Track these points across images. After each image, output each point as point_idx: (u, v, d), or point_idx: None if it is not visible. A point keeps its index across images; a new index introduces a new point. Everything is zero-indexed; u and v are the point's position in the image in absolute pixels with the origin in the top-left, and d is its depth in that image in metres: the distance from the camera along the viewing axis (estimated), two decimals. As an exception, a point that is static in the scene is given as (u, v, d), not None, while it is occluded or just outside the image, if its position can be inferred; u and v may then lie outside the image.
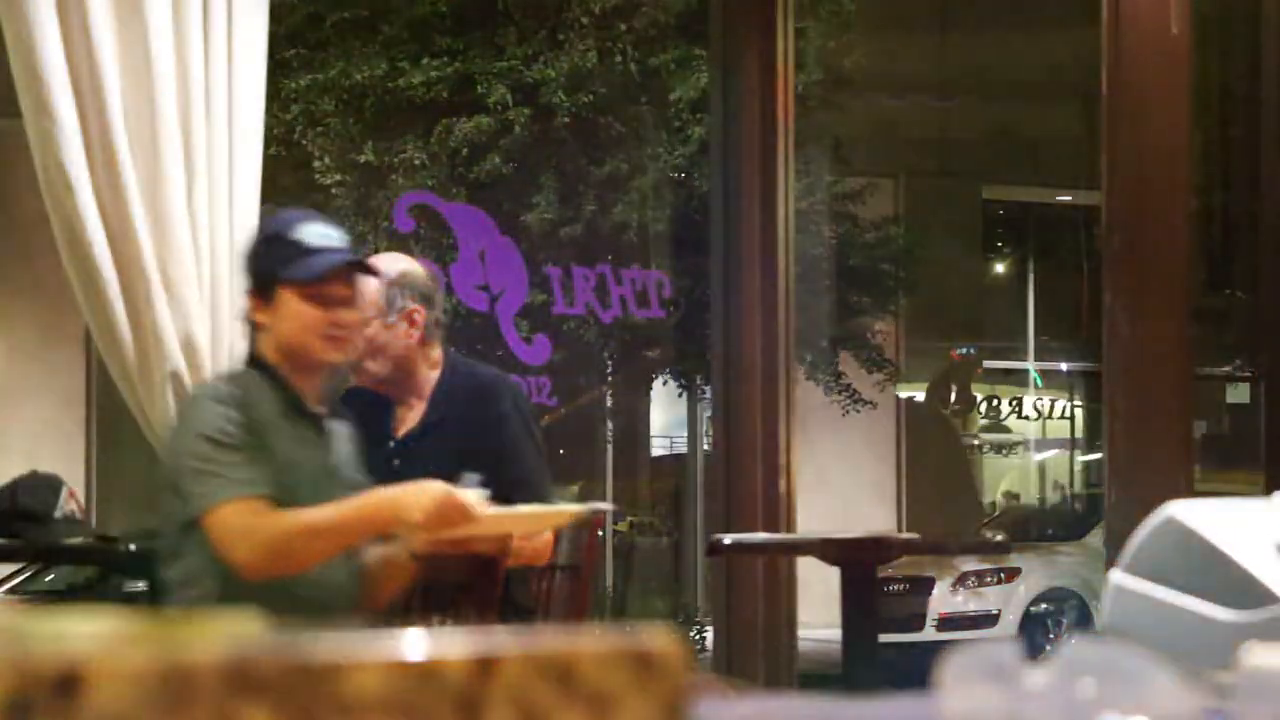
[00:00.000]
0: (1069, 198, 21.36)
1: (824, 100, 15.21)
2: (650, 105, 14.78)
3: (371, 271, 3.91)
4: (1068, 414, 23.04)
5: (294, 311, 3.76)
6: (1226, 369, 17.83)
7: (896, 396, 20.11)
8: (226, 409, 3.72)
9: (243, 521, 3.66)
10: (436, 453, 4.70)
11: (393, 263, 4.85)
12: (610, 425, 18.04)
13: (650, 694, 0.86)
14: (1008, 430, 22.81)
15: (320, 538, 3.69)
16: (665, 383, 17.40)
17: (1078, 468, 23.26)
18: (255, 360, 3.86)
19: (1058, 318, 22.60)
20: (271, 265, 3.80)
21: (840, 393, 16.96)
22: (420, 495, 3.66)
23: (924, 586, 15.26)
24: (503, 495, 4.63)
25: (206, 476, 3.70)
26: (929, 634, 14.84)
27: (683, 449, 20.23)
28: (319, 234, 3.81)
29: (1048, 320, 22.70)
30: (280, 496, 3.69)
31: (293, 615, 3.29)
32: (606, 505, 4.97)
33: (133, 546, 5.30)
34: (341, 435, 3.95)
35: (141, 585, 7.77)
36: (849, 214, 16.73)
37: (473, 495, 3.74)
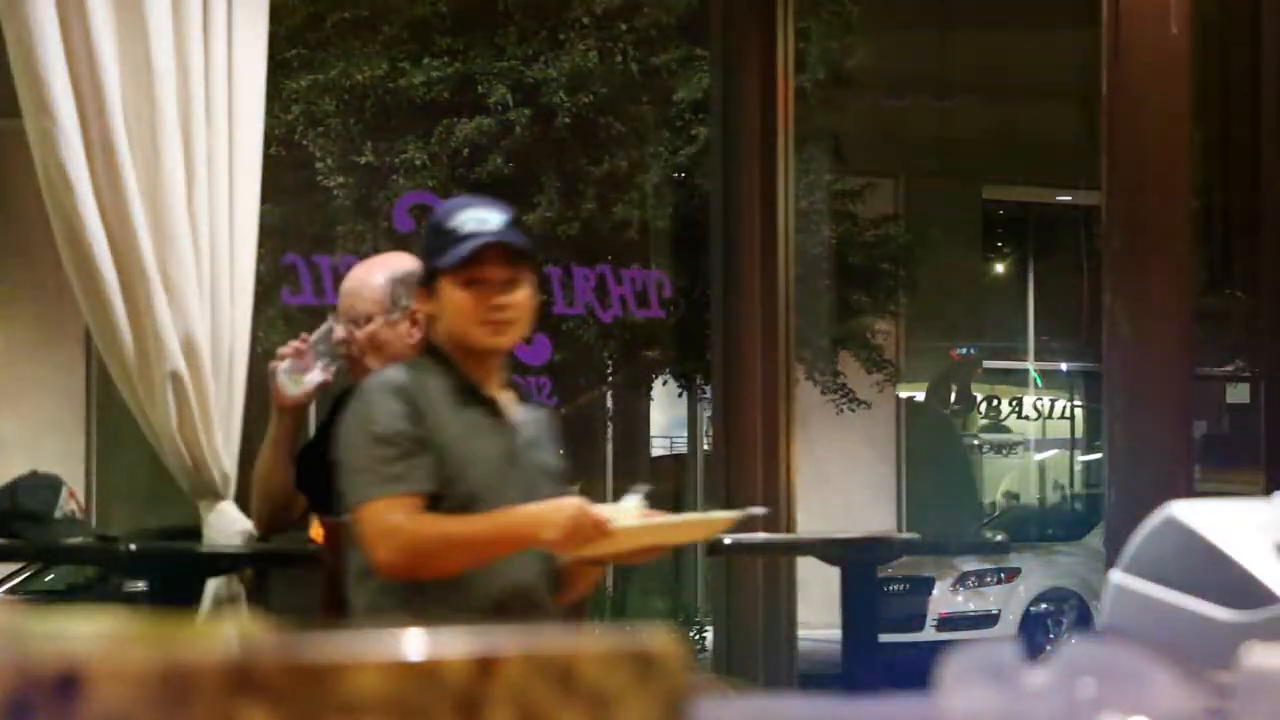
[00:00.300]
0: (1069, 198, 21.35)
1: (824, 100, 15.20)
2: (652, 105, 14.78)
3: (523, 250, 3.80)
4: (1068, 414, 23.03)
5: (452, 300, 3.72)
6: (1226, 369, 17.82)
7: (896, 396, 20.10)
8: (394, 402, 3.68)
9: (387, 521, 3.62)
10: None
11: (398, 261, 4.86)
12: (610, 425, 18.04)
13: (650, 694, 0.86)
14: (1008, 430, 22.80)
15: (459, 549, 3.65)
16: (665, 383, 17.40)
17: (1078, 468, 23.25)
18: (430, 348, 3.83)
19: (1058, 318, 22.59)
20: (431, 253, 3.78)
21: (836, 391, 16.96)
22: (556, 513, 3.60)
23: (924, 586, 15.26)
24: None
25: (362, 472, 3.67)
26: (929, 634, 14.83)
27: (683, 449, 20.23)
28: (474, 219, 3.76)
29: (1048, 320, 22.69)
30: (451, 486, 3.65)
31: (479, 612, 3.25)
32: (759, 510, 4.90)
33: (133, 546, 5.29)
34: (529, 419, 3.87)
35: (141, 585, 7.77)
36: (848, 213, 16.73)
37: (627, 508, 3.67)
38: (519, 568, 3.71)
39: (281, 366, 4.73)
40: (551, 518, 3.59)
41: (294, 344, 4.78)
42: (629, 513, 3.67)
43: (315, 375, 4.74)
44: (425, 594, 3.64)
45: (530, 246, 3.85)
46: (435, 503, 3.65)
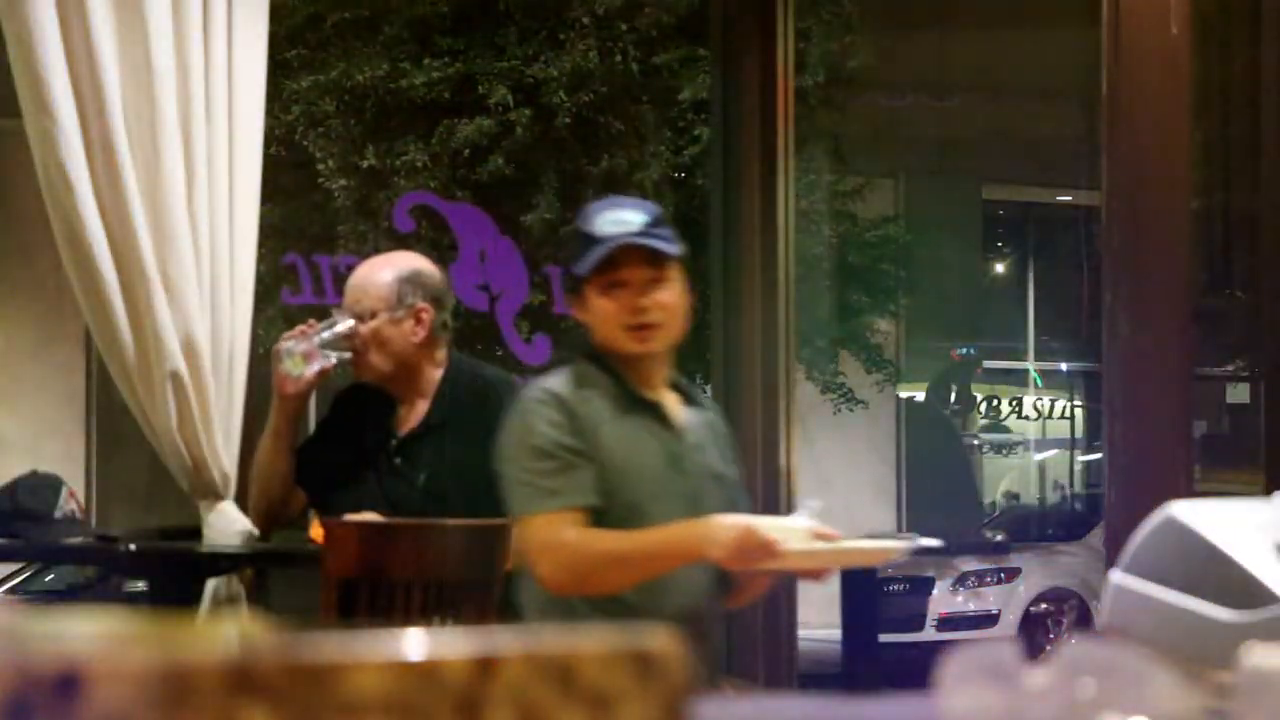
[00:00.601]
0: (1069, 198, 21.36)
1: (824, 100, 15.21)
2: (652, 105, 14.78)
3: (663, 251, 3.66)
4: (1068, 414, 23.04)
5: (596, 306, 3.66)
6: (1226, 369, 17.82)
7: (897, 396, 20.11)
8: (553, 412, 3.60)
9: (549, 536, 3.55)
10: (438, 451, 4.70)
11: (405, 260, 4.87)
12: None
13: (650, 694, 0.86)
14: (1008, 430, 22.81)
15: (622, 566, 3.56)
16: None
17: (1078, 468, 23.26)
18: (588, 353, 3.76)
19: (1058, 318, 22.60)
20: (571, 259, 3.72)
21: (834, 391, 16.96)
22: (723, 531, 3.49)
23: (924, 586, 15.27)
24: (502, 496, 4.64)
25: (522, 485, 3.60)
26: (929, 634, 14.84)
27: (683, 449, 20.21)
28: (612, 221, 3.65)
29: (1048, 320, 22.70)
30: (613, 497, 3.57)
31: (649, 615, 3.24)
32: (932, 541, 4.86)
33: (133, 546, 5.29)
34: (697, 421, 3.78)
35: (141, 585, 7.77)
36: (848, 212, 16.73)
37: (800, 523, 3.58)
38: (692, 576, 3.63)
39: (286, 345, 4.73)
40: (718, 536, 3.48)
41: (300, 328, 4.79)
42: (799, 531, 3.56)
43: (317, 363, 4.74)
44: (595, 603, 3.57)
45: (673, 245, 3.68)
46: (599, 513, 3.57)
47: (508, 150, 14.30)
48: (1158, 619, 1.78)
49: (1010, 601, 15.30)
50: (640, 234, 3.63)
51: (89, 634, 0.85)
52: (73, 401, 16.65)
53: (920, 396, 21.09)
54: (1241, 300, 15.23)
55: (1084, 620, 15.01)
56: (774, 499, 6.75)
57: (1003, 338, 22.48)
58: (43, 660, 0.76)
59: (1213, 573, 1.76)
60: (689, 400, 3.77)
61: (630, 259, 3.61)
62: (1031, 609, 15.33)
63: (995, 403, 22.42)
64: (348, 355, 4.74)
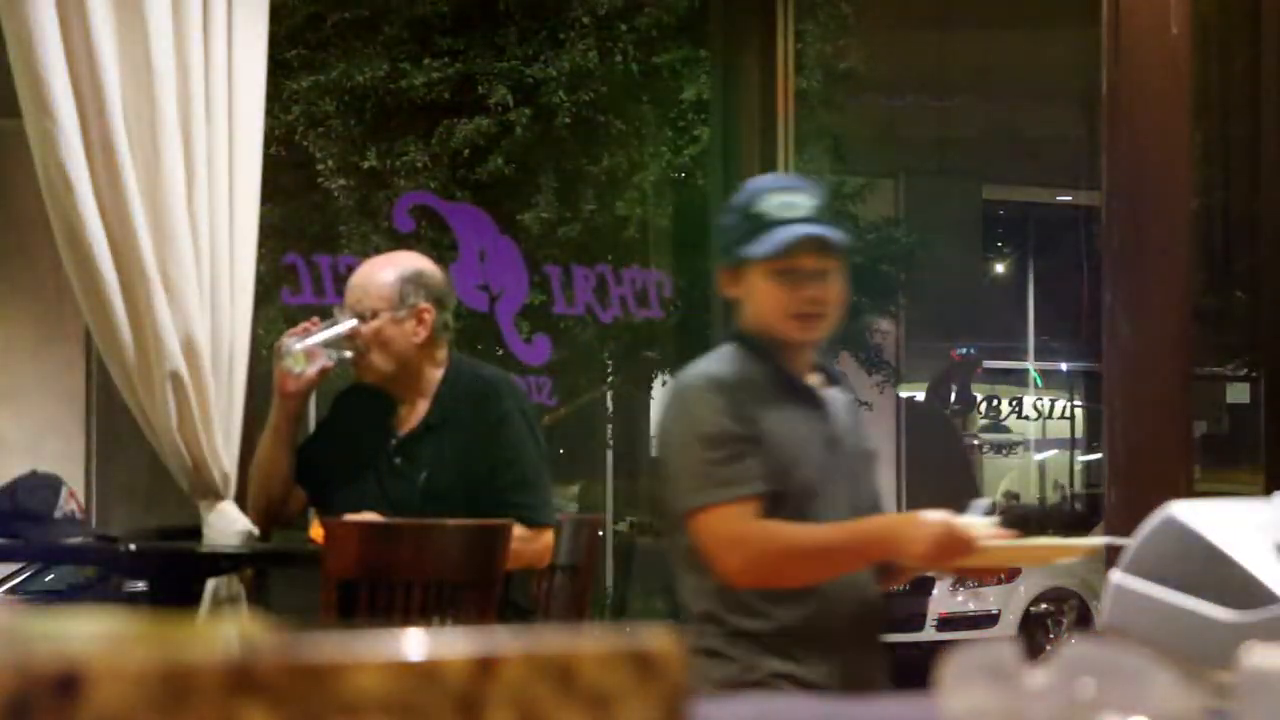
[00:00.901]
0: (1069, 198, 21.36)
1: (824, 100, 15.21)
2: (653, 105, 14.78)
3: (836, 246, 3.55)
4: (1068, 414, 23.04)
5: (760, 290, 3.52)
6: (1226, 369, 17.81)
7: (897, 396, 20.11)
8: (719, 399, 3.48)
9: (733, 528, 3.44)
10: (438, 451, 4.70)
11: (411, 261, 4.87)
12: (610, 425, 18.04)
13: (650, 694, 0.86)
14: (1008, 430, 22.81)
15: (813, 560, 3.46)
16: (665, 384, 17.40)
17: (1078, 468, 23.26)
18: (739, 336, 3.61)
19: (1058, 318, 22.60)
20: (736, 239, 3.56)
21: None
22: (922, 527, 3.41)
23: (924, 586, 15.26)
24: (502, 496, 4.64)
25: (693, 476, 3.47)
26: (929, 634, 14.83)
27: (683, 449, 20.20)
28: (783, 204, 3.53)
29: (1048, 320, 22.70)
30: (782, 484, 3.47)
31: (830, 605, 3.19)
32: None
33: (133, 546, 5.29)
34: (840, 402, 3.70)
35: (141, 585, 7.77)
36: (849, 214, 16.73)
37: (978, 523, 3.50)
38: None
39: (287, 343, 4.73)
40: (916, 533, 3.42)
41: (303, 325, 4.79)
42: (981, 527, 3.49)
43: (319, 361, 4.74)
44: (771, 596, 3.49)
45: (845, 237, 3.58)
46: (768, 502, 3.47)
47: (507, 150, 14.30)
48: (1158, 619, 1.78)
49: (1010, 601, 15.30)
50: (814, 220, 3.53)
51: (89, 634, 0.85)
52: (73, 401, 16.64)
53: (920, 396, 21.10)
54: (1241, 300, 15.22)
55: (1084, 620, 15.01)
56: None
57: (1003, 338, 22.48)
58: (43, 660, 0.76)
59: (1213, 573, 1.76)
60: (830, 380, 3.70)
61: (803, 246, 3.51)
62: (1031, 609, 15.33)
63: (995, 403, 22.42)
64: (349, 355, 4.74)
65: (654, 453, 3.62)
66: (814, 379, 3.64)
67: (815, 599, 3.49)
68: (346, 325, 4.72)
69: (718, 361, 3.58)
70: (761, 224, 3.51)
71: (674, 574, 3.62)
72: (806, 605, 3.49)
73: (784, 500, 3.48)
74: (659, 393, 18.51)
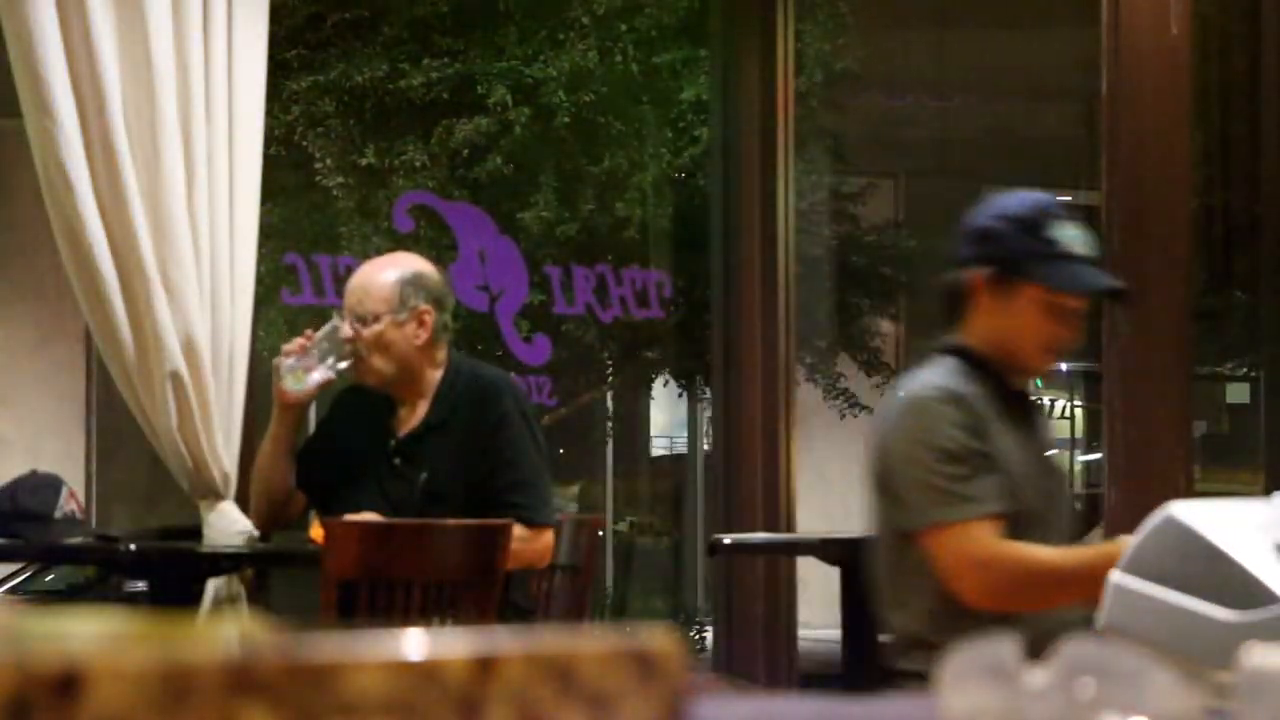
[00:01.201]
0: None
1: (823, 100, 15.21)
2: (652, 105, 14.78)
3: (1125, 296, 3.56)
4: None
5: (1027, 315, 3.42)
6: (1226, 369, 17.80)
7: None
8: (956, 412, 3.39)
9: (977, 548, 3.31)
10: (438, 452, 4.70)
11: (410, 263, 4.86)
12: (610, 425, 18.04)
13: (650, 694, 0.86)
14: (1008, 430, 22.80)
15: (1054, 585, 3.30)
16: (666, 384, 17.39)
17: (1078, 468, 23.26)
18: (962, 349, 3.54)
19: (1058, 318, 22.60)
20: (1021, 255, 3.43)
21: (838, 396, 16.96)
22: None
23: (924, 586, 15.26)
24: (502, 496, 4.64)
25: (930, 490, 3.35)
26: (929, 634, 14.82)
27: (683, 449, 20.22)
28: (1074, 238, 3.44)
29: (1048, 320, 22.69)
30: (1011, 502, 3.35)
31: (1021, 634, 3.15)
32: None
33: (133, 546, 5.29)
34: (1040, 417, 3.65)
35: (141, 585, 7.77)
36: (849, 214, 16.72)
37: None
38: None
39: (285, 364, 4.72)
40: None
41: (298, 340, 4.76)
42: None
43: (318, 374, 4.73)
44: (984, 622, 3.32)
45: (1129, 296, 3.59)
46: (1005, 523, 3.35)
47: (507, 150, 14.30)
48: (1158, 619, 1.78)
49: (1010, 601, 15.29)
50: (1105, 272, 3.51)
51: (89, 634, 0.85)
52: (73, 401, 16.64)
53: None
54: (1241, 300, 15.21)
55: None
56: (774, 498, 6.75)
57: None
58: (43, 660, 0.76)
59: (1213, 573, 1.76)
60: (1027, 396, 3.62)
61: (1103, 293, 3.52)
62: (1031, 609, 15.32)
63: (995, 403, 22.40)
64: (345, 365, 4.73)
65: (873, 465, 3.49)
66: (1026, 389, 3.59)
67: (1031, 625, 3.34)
68: (340, 331, 4.70)
69: (945, 375, 3.49)
70: (1056, 252, 3.42)
71: (882, 592, 3.51)
72: (1023, 632, 3.40)
73: (1016, 521, 3.37)
74: (659, 393, 18.52)
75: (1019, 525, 3.36)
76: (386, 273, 4.76)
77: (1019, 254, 3.42)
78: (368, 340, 4.69)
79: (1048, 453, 3.53)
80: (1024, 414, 3.49)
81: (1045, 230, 3.42)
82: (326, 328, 4.75)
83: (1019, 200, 3.53)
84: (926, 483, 3.35)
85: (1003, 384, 3.46)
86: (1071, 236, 3.43)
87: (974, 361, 3.48)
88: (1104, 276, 3.47)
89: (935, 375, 3.48)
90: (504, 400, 4.71)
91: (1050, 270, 3.39)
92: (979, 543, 3.31)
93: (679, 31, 14.53)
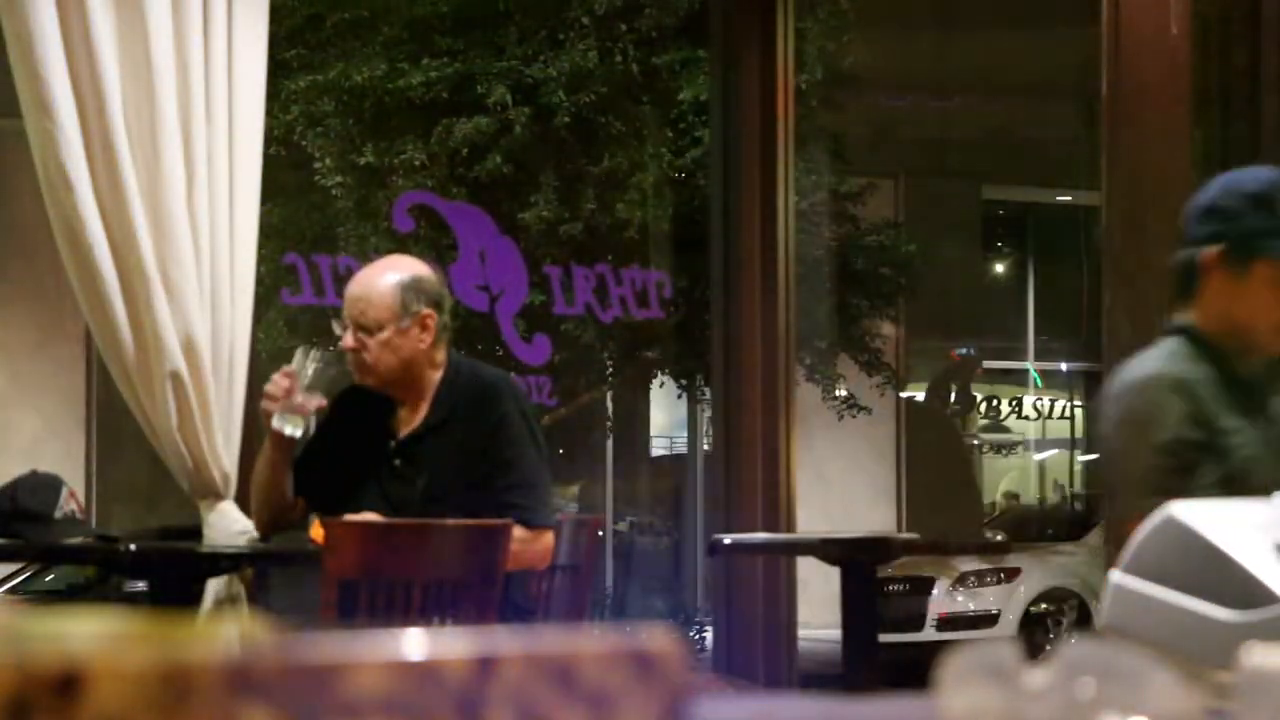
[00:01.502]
0: (1069, 198, 21.36)
1: (823, 99, 15.21)
2: (652, 105, 14.78)
3: None
4: (1068, 414, 23.03)
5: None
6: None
7: (897, 396, 20.11)
8: (1180, 402, 3.28)
9: None
10: (438, 453, 4.70)
11: (407, 266, 4.85)
12: (610, 425, 18.05)
13: (650, 694, 0.86)
14: (1008, 430, 22.80)
15: None
16: (663, 384, 17.40)
17: (1078, 468, 23.25)
18: (1190, 330, 3.39)
19: (1058, 318, 22.59)
20: (1254, 232, 3.30)
21: (837, 398, 16.97)
22: None
23: (924, 586, 15.26)
24: (502, 497, 4.64)
25: (1145, 482, 3.25)
26: (929, 634, 14.83)
27: (683, 449, 20.22)
28: None
29: (1048, 320, 22.69)
30: (1232, 491, 3.18)
31: None
32: None
33: (133, 546, 5.29)
34: (1274, 391, 3.48)
35: (141, 585, 7.77)
36: (849, 215, 16.73)
37: None
38: None
39: (275, 415, 4.65)
40: None
41: (280, 382, 4.66)
42: None
43: (311, 404, 4.67)
44: None
45: None
46: None
47: (506, 149, 14.30)
48: (1158, 619, 1.78)
49: (1010, 601, 15.30)
50: None
51: (89, 634, 0.85)
52: (73, 401, 16.64)
53: (921, 397, 21.09)
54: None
55: (1084, 620, 15.01)
56: (774, 498, 6.75)
57: (1003, 338, 22.47)
58: (43, 660, 0.76)
59: (1213, 573, 1.76)
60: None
61: None
62: (1031, 609, 15.33)
63: (995, 403, 22.41)
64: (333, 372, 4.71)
65: (1101, 452, 3.44)
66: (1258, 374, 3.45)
67: None
68: (346, 343, 4.68)
69: (1169, 359, 3.38)
70: None
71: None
72: None
73: None
74: (659, 393, 18.53)
75: None
76: (386, 279, 4.74)
77: (1252, 231, 3.30)
78: (375, 351, 4.67)
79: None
80: (1256, 396, 3.38)
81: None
82: (304, 360, 4.68)
83: (1252, 176, 3.41)
84: (1136, 473, 3.28)
85: (1233, 366, 3.36)
86: None
87: (1202, 343, 3.36)
88: None
89: (1159, 360, 3.37)
90: (504, 401, 4.71)
91: None
92: None
93: (679, 32, 14.54)
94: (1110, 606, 1.85)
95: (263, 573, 5.45)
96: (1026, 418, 22.67)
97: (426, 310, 4.69)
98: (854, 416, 17.20)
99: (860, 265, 16.69)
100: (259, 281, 5.83)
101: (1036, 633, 15.08)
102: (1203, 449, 3.27)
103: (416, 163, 14.30)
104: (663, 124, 14.76)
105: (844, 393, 16.97)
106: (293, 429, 4.64)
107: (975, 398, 22.12)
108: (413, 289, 4.71)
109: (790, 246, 6.87)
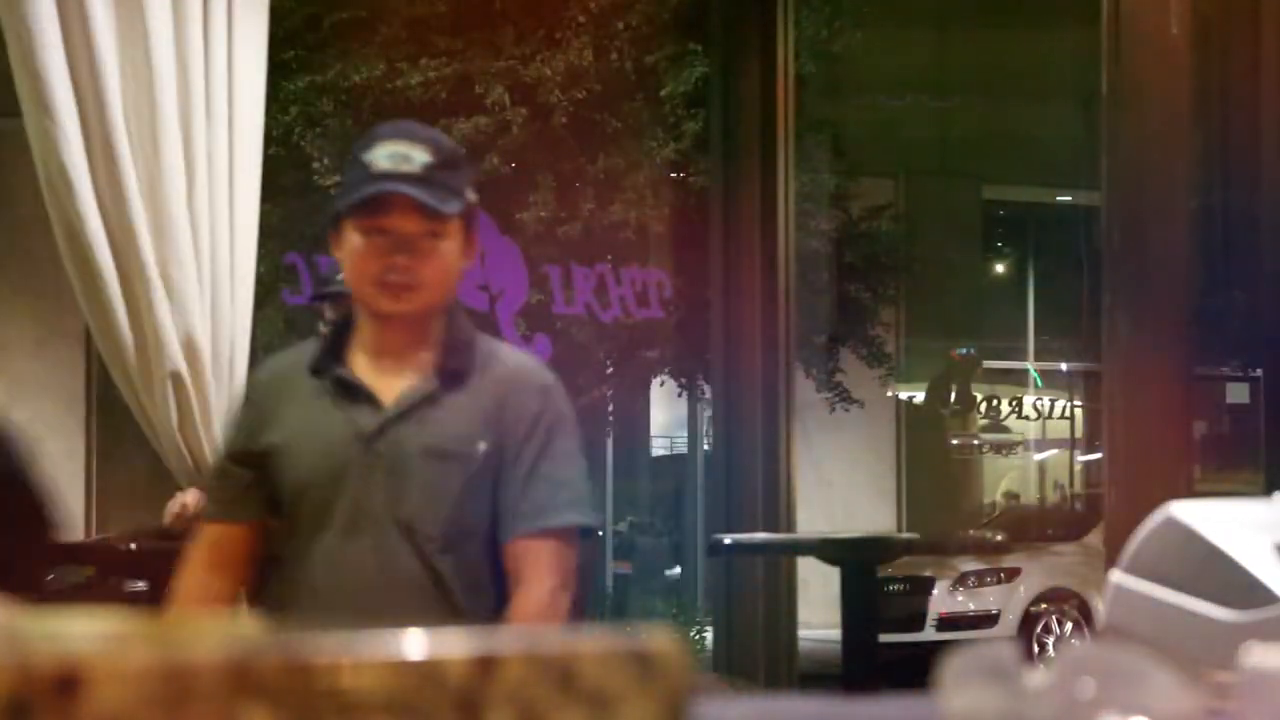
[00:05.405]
0: (1069, 198, 21.36)
1: (823, 91, 15.20)
2: (646, 101, 14.79)
3: (433, 209, 3.02)
4: (1068, 414, 23.03)
5: (348, 249, 3.08)
6: (1226, 369, 17.81)
7: (896, 397, 20.11)
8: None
9: None
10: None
11: None
12: (610, 425, 18.05)
13: (650, 694, 0.86)
14: (1008, 430, 22.81)
15: None
16: (663, 384, 17.40)
17: (1078, 468, 23.26)
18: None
19: (1058, 318, 22.60)
20: (338, 192, 3.16)
21: (832, 390, 16.96)
22: None
23: (924, 586, 15.27)
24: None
25: None
26: (929, 634, 14.84)
27: (683, 449, 20.23)
28: (392, 154, 3.03)
29: (1048, 320, 22.70)
30: None
31: None
32: None
33: (133, 546, 5.29)
34: None
35: (141, 585, 7.77)
36: (848, 213, 16.74)
37: None
38: None
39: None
40: None
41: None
42: None
43: None
44: None
45: (448, 203, 3.05)
46: None
47: (504, 149, 14.31)
48: (1158, 619, 1.78)
49: (1010, 601, 15.30)
50: (411, 181, 3.06)
51: (89, 634, 0.85)
52: (73, 401, 16.64)
53: (920, 397, 21.10)
54: (1241, 300, 15.22)
55: (1084, 620, 15.01)
56: (774, 498, 6.75)
57: (1003, 338, 22.48)
58: (43, 660, 0.76)
59: (1213, 573, 1.76)
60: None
61: (398, 205, 3.07)
62: (1031, 609, 15.33)
63: (995, 403, 22.41)
64: None
65: None
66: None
67: None
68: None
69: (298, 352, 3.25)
70: (363, 175, 3.06)
71: None
72: None
73: None
74: (659, 393, 18.51)
75: None
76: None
77: (341, 187, 3.15)
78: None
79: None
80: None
81: (363, 153, 3.07)
82: None
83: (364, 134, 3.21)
84: None
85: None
86: (386, 154, 3.04)
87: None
88: (390, 185, 3.02)
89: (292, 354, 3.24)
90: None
91: (347, 194, 3.07)
92: None
93: (674, 27, 14.54)
94: (1110, 606, 1.85)
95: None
96: (1026, 418, 22.67)
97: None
98: (846, 410, 17.19)
99: (855, 255, 16.68)
100: (259, 281, 5.83)
101: (1036, 633, 15.09)
102: None
103: (416, 163, 14.27)
104: (656, 119, 14.76)
105: (838, 381, 16.93)
106: None
107: (975, 398, 22.12)
108: None
109: (790, 245, 6.87)
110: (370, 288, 3.06)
